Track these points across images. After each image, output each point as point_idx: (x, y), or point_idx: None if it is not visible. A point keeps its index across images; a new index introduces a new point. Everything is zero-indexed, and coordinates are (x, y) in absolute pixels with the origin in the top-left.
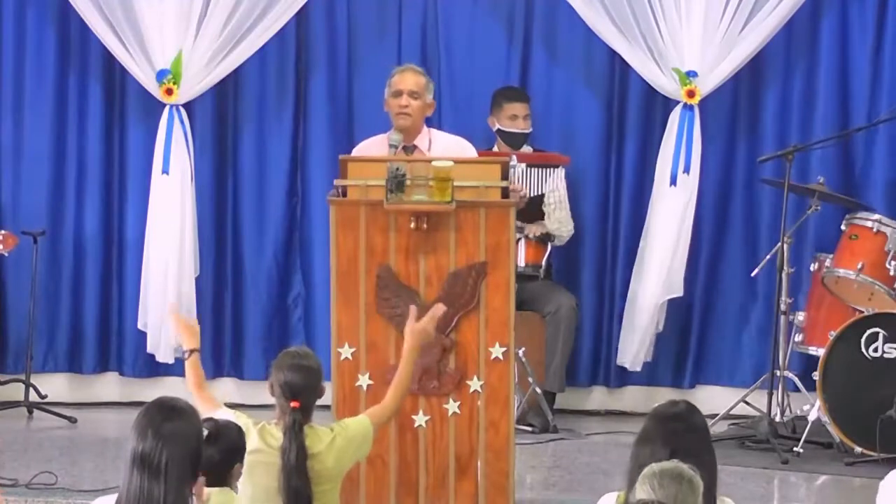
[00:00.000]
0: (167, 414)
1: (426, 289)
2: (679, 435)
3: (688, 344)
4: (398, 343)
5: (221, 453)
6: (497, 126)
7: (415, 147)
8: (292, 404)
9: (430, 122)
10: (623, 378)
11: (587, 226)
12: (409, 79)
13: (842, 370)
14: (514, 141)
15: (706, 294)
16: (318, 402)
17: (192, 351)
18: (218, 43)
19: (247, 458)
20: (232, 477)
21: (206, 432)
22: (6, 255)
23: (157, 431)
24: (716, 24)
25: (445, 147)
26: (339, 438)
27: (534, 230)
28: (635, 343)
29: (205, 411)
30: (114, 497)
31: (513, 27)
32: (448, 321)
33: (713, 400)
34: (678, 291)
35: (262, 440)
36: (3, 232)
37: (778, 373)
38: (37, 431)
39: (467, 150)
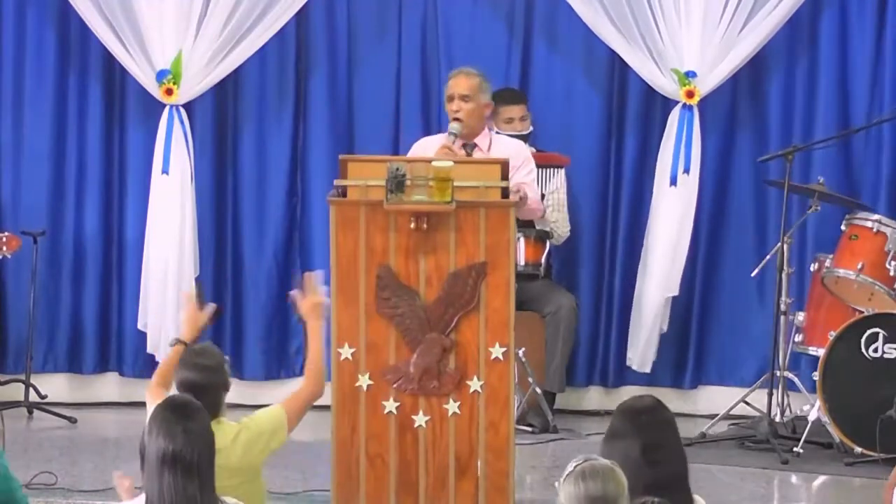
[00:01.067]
0: (189, 413)
1: (426, 289)
2: (650, 427)
3: (688, 344)
4: (398, 343)
5: None
6: (496, 130)
7: (475, 145)
8: None
9: (431, 123)
10: (623, 378)
11: (586, 226)
12: (460, 83)
13: (842, 370)
14: None
15: (706, 294)
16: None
17: (183, 343)
18: (218, 43)
19: None
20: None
21: None
22: (9, 256)
23: (185, 430)
24: (715, 25)
25: (502, 148)
26: (244, 432)
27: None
28: (642, 343)
29: (150, 403)
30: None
31: (513, 27)
32: (448, 321)
33: (713, 400)
34: (674, 290)
35: None
36: (5, 234)
37: (778, 373)
38: (37, 431)
39: (523, 153)
